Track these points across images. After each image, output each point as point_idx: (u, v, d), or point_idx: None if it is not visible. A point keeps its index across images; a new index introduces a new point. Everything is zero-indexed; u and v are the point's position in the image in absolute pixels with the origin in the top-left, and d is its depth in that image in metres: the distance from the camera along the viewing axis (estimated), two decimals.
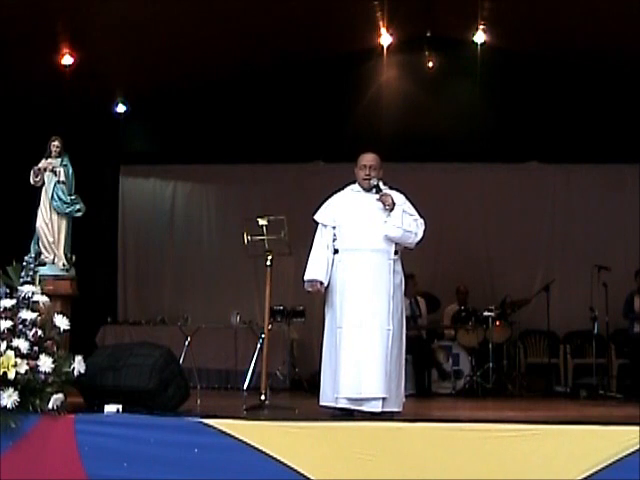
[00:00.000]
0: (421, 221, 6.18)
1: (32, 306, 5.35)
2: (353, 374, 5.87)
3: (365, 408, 5.84)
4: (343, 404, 5.90)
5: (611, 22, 9.42)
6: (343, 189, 6.35)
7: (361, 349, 5.89)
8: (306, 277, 6.22)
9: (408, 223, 6.08)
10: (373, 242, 6.05)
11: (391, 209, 6.03)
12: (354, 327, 5.95)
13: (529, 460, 4.85)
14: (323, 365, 6.18)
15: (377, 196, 6.09)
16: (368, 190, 6.18)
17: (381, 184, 6.15)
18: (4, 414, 4.98)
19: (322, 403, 6.07)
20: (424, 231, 6.17)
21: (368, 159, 6.21)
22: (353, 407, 5.88)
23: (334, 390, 5.95)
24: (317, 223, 6.31)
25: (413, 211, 6.20)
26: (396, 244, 6.10)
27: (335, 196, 6.33)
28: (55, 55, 9.52)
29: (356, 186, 6.27)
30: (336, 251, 6.18)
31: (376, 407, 5.83)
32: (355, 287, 6.02)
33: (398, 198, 6.16)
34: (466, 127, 11.30)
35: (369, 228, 6.07)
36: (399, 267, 6.15)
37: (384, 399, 5.84)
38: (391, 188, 6.22)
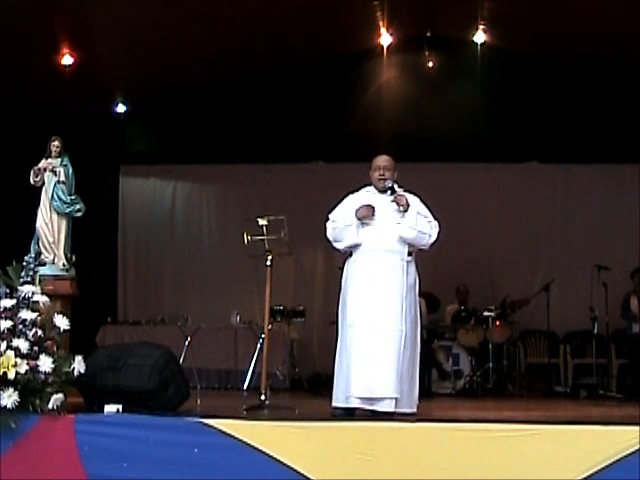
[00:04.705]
0: (435, 223, 6.22)
1: (32, 306, 5.34)
2: (365, 373, 5.87)
3: (378, 408, 5.84)
4: (355, 404, 5.90)
5: (611, 22, 9.42)
6: (358, 190, 6.36)
7: (373, 349, 5.89)
8: (352, 217, 6.10)
9: (422, 224, 6.11)
10: (387, 243, 6.06)
11: (405, 210, 6.06)
12: (366, 327, 5.95)
13: (529, 460, 4.85)
14: (336, 365, 6.18)
15: (392, 197, 6.12)
16: (383, 191, 6.20)
17: (396, 186, 6.18)
18: (4, 414, 4.97)
19: (334, 404, 6.07)
20: (438, 233, 6.19)
21: (382, 160, 6.25)
22: (366, 407, 5.88)
23: (346, 389, 5.95)
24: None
25: (427, 213, 6.24)
26: (410, 245, 6.12)
27: (350, 196, 6.34)
28: (55, 55, 9.53)
29: (371, 188, 6.30)
30: (350, 253, 6.21)
31: (389, 407, 5.83)
32: (368, 287, 6.02)
33: (413, 200, 6.19)
34: (466, 127, 11.30)
35: (383, 229, 6.09)
36: (412, 268, 6.16)
37: (396, 399, 5.84)
38: (405, 190, 6.24)
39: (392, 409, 5.82)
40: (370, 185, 6.32)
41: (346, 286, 6.20)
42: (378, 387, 5.85)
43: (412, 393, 6.04)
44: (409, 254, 6.12)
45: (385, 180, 6.18)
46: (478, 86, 11.16)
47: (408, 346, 5.97)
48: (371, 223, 6.12)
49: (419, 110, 11.38)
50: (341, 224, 6.16)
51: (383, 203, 6.17)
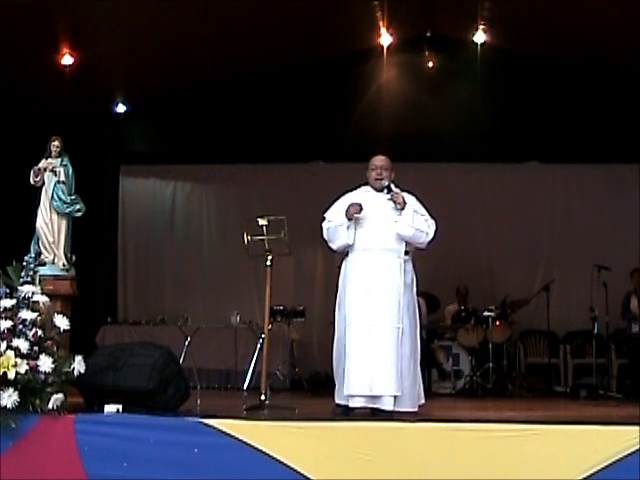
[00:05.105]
0: (432, 221, 6.27)
1: (32, 306, 5.35)
2: (364, 372, 5.90)
3: (379, 406, 5.88)
4: (356, 402, 5.93)
5: (611, 22, 9.42)
6: (355, 189, 6.38)
7: (371, 347, 5.92)
8: (343, 218, 6.15)
9: (419, 223, 6.16)
10: (384, 242, 6.11)
11: (402, 208, 6.08)
12: (363, 325, 5.98)
13: (529, 460, 4.86)
14: (334, 364, 6.21)
15: (388, 196, 6.15)
16: (380, 191, 6.22)
17: (392, 186, 6.21)
18: (4, 414, 4.98)
19: (337, 401, 6.12)
20: (435, 231, 6.24)
21: (379, 160, 6.32)
22: (367, 405, 5.91)
23: (346, 388, 5.98)
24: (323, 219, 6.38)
25: (424, 211, 6.29)
26: (407, 244, 6.16)
27: (347, 195, 6.37)
28: (55, 55, 9.53)
29: (368, 187, 6.35)
30: (347, 252, 6.24)
31: (388, 405, 5.85)
32: (365, 286, 6.06)
33: (409, 199, 6.23)
34: (466, 127, 11.29)
35: (380, 227, 6.14)
36: (410, 267, 6.20)
37: (396, 397, 5.87)
38: (402, 190, 6.26)
39: (391, 407, 5.84)
40: (367, 184, 6.34)
41: (344, 285, 6.23)
42: (377, 385, 5.87)
43: (413, 392, 6.06)
44: (406, 253, 6.16)
45: (382, 180, 6.23)
46: (478, 86, 11.16)
47: (407, 344, 6.00)
48: (367, 223, 6.15)
49: (419, 110, 11.37)
50: (333, 225, 6.22)
51: (380, 202, 6.21)
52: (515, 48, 11.14)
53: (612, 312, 9.88)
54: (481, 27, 10.49)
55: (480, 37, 10.70)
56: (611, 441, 4.83)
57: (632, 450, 4.78)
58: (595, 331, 9.87)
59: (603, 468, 4.79)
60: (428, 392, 9.58)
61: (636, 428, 4.84)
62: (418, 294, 10.15)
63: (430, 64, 11.41)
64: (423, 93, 11.51)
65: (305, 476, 4.88)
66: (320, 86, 11.42)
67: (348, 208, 6.14)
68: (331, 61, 11.34)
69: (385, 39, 10.62)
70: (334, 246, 6.27)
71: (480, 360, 10.11)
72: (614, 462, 4.78)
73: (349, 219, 6.13)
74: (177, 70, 10.61)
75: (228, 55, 10.45)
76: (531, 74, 11.31)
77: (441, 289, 10.94)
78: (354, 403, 5.94)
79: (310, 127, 11.43)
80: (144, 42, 9.59)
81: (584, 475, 4.80)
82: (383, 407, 5.86)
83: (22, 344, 5.13)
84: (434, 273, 11.14)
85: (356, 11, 9.90)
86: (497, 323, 10.23)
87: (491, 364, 9.94)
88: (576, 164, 11.57)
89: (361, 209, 6.11)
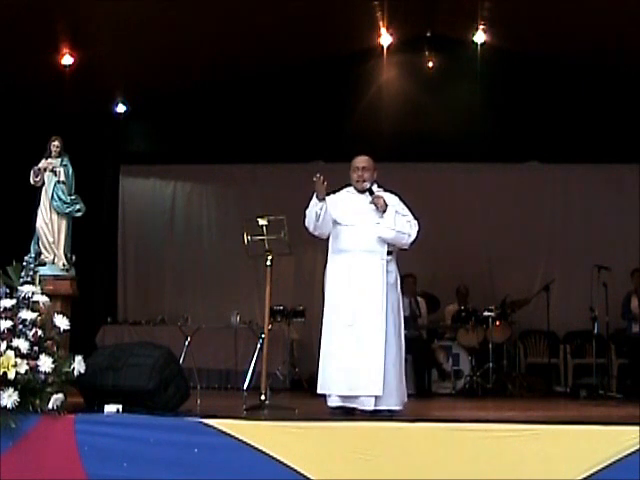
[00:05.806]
0: (414, 222, 6.26)
1: (32, 306, 5.35)
2: (346, 372, 5.93)
3: (358, 405, 5.91)
4: (337, 402, 5.97)
5: (611, 22, 9.42)
6: (339, 190, 6.39)
7: (354, 348, 5.94)
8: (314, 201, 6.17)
9: (401, 224, 6.16)
10: (366, 243, 6.12)
11: (383, 211, 6.08)
12: (347, 326, 6.01)
13: (529, 460, 4.85)
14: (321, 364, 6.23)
15: (370, 198, 6.14)
16: (362, 192, 6.22)
17: (375, 187, 6.22)
18: (4, 414, 4.98)
19: (330, 404, 6.13)
20: (418, 232, 6.24)
21: (361, 161, 6.31)
22: (347, 404, 5.94)
23: (322, 387, 6.03)
24: None
25: (407, 212, 6.28)
26: (390, 245, 6.14)
27: (330, 196, 6.36)
28: (55, 55, 9.53)
29: (351, 188, 6.37)
30: (329, 252, 6.29)
31: (368, 405, 5.88)
32: (348, 287, 6.07)
33: (392, 199, 6.23)
34: (466, 127, 11.28)
35: (362, 230, 6.15)
36: (393, 267, 6.22)
37: (377, 397, 5.88)
38: (386, 190, 6.26)
39: (371, 407, 5.87)
40: (351, 185, 6.36)
41: (328, 287, 6.25)
42: (359, 385, 5.90)
43: (399, 390, 6.06)
44: (389, 253, 6.17)
45: (364, 181, 6.22)
46: (478, 86, 11.16)
47: (392, 343, 6.00)
48: (349, 224, 6.17)
49: (419, 110, 11.38)
50: (308, 211, 6.23)
51: (362, 204, 6.23)
52: (515, 48, 11.14)
53: (612, 312, 9.88)
54: (481, 27, 10.49)
55: (480, 37, 10.70)
56: (611, 441, 4.83)
57: (632, 450, 4.78)
58: (595, 331, 9.87)
59: (603, 468, 4.79)
60: (428, 392, 9.65)
61: (636, 428, 4.84)
62: (417, 294, 10.16)
63: (430, 64, 11.40)
64: (423, 93, 11.51)
65: (305, 476, 4.88)
66: (320, 86, 11.42)
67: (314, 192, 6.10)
68: (331, 61, 11.34)
69: (385, 39, 10.62)
70: (311, 225, 6.23)
71: (480, 360, 10.11)
72: (614, 462, 4.78)
73: (320, 199, 6.09)
74: (177, 70, 10.61)
75: (228, 55, 10.45)
76: (531, 74, 11.30)
77: (441, 289, 10.94)
78: (335, 402, 5.97)
79: (310, 127, 11.43)
80: (144, 42, 9.59)
81: (584, 475, 4.80)
82: (362, 407, 5.89)
83: (22, 344, 5.13)
84: (434, 273, 11.15)
85: (356, 11, 9.90)
86: (497, 323, 10.23)
87: (491, 364, 9.94)
88: (576, 164, 11.57)
89: (321, 180, 6.05)
